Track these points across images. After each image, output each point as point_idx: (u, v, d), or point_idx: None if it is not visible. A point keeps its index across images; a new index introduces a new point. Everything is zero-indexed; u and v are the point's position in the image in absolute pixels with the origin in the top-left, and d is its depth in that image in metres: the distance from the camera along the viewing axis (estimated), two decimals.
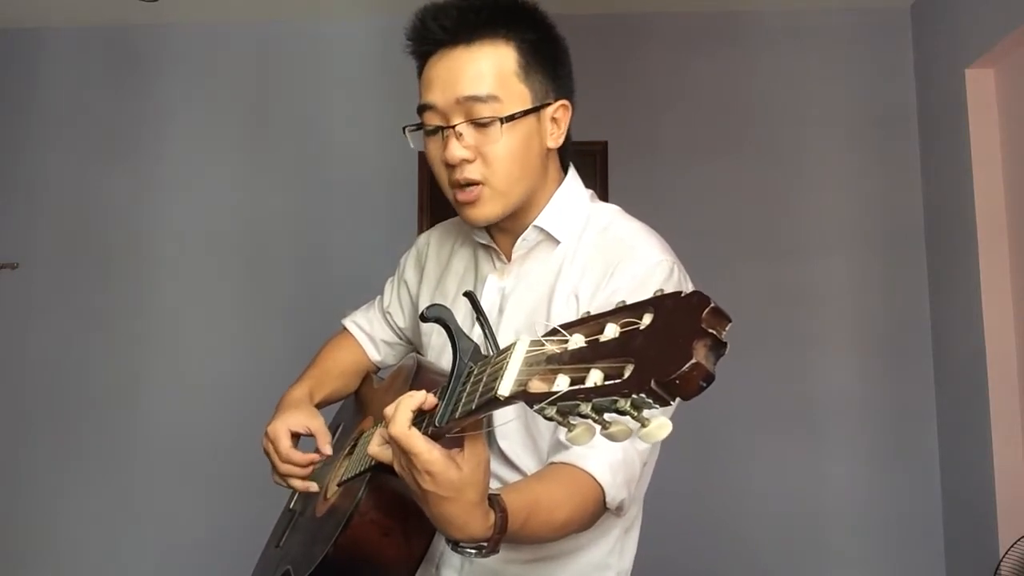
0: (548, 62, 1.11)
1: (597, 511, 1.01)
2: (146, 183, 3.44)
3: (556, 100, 1.12)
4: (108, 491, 3.29)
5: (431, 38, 1.08)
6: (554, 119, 1.12)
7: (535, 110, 1.08)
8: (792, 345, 3.26)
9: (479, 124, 1.05)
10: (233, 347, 3.34)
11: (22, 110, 3.49)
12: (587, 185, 1.22)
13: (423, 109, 1.09)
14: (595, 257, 1.10)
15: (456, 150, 1.06)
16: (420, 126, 1.11)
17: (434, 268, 1.31)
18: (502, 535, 0.84)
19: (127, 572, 3.26)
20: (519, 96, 1.07)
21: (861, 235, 3.29)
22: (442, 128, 1.07)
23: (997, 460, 2.75)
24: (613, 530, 1.13)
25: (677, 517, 3.05)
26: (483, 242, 1.20)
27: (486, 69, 1.05)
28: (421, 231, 3.28)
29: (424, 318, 0.85)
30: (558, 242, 1.14)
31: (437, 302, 1.23)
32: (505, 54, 1.07)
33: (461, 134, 1.06)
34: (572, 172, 1.20)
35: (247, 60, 3.49)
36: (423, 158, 3.32)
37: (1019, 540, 2.44)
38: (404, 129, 1.13)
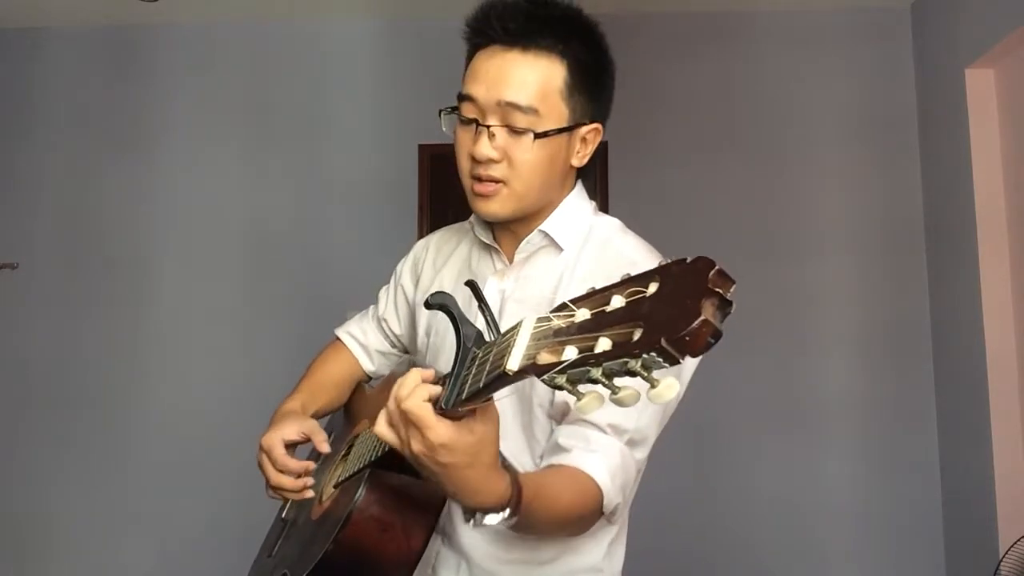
0: (593, 84, 1.12)
1: (595, 512, 1.01)
2: (146, 183, 3.44)
3: (591, 122, 1.13)
4: (108, 490, 3.29)
5: (490, 34, 1.09)
6: (584, 139, 1.14)
7: (568, 129, 1.10)
8: (792, 345, 3.26)
9: (513, 130, 1.07)
10: (233, 346, 3.34)
11: (22, 110, 3.49)
12: (587, 186, 1.23)
13: (463, 98, 1.10)
14: (596, 271, 1.11)
15: (485, 148, 1.08)
16: (454, 109, 1.12)
17: (430, 271, 1.31)
18: (520, 495, 0.84)
19: (126, 571, 3.26)
20: (558, 114, 1.08)
21: (861, 235, 3.29)
22: (477, 122, 1.09)
23: (997, 460, 2.75)
24: (606, 535, 1.14)
25: (678, 516, 3.05)
26: (486, 241, 1.21)
27: (534, 80, 1.07)
28: (421, 231, 3.29)
29: (428, 305, 0.84)
30: (561, 249, 1.15)
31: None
32: (556, 70, 1.08)
33: (494, 135, 1.07)
34: (579, 184, 1.21)
35: (247, 60, 3.49)
36: (423, 157, 3.34)
37: (1019, 540, 2.44)
38: (440, 112, 1.14)
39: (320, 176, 3.42)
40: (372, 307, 1.44)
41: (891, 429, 3.20)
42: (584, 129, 1.12)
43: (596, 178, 3.23)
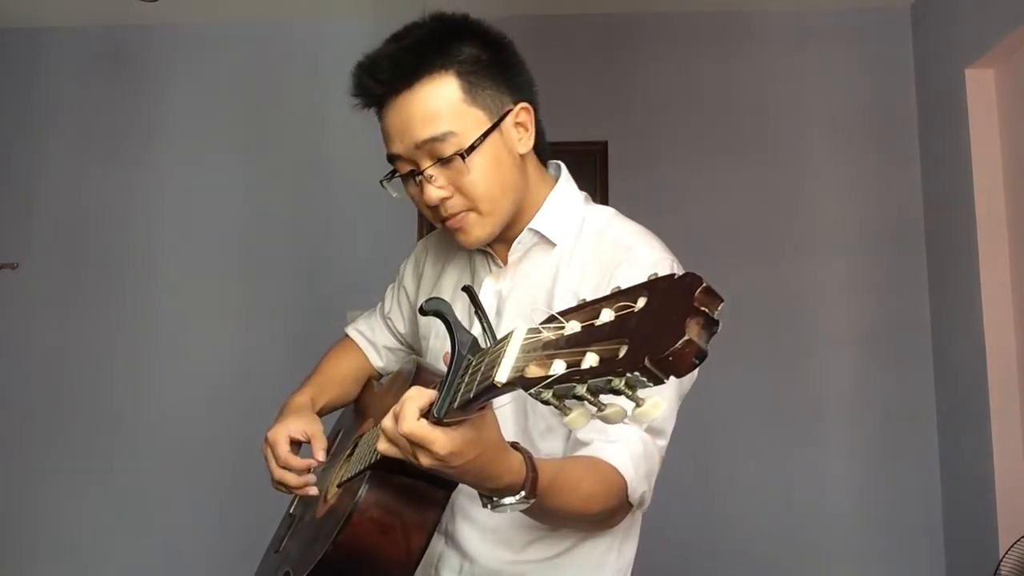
0: (495, 71, 1.09)
1: (621, 502, 1.00)
2: (146, 183, 3.44)
3: (515, 104, 1.11)
4: (108, 492, 3.29)
5: (373, 93, 1.09)
6: (518, 124, 1.12)
7: (494, 127, 1.08)
8: (792, 345, 3.26)
9: (444, 162, 1.06)
10: (234, 348, 3.34)
11: (21, 110, 3.48)
12: (587, 186, 1.24)
13: (392, 159, 1.10)
14: (593, 259, 1.11)
15: (432, 192, 1.07)
16: (393, 173, 1.12)
17: (431, 274, 1.32)
18: (535, 474, 0.83)
19: (128, 571, 3.26)
20: (474, 121, 1.06)
21: (861, 235, 3.29)
22: (414, 173, 1.08)
23: (997, 460, 2.75)
24: (615, 530, 1.13)
25: (677, 516, 3.04)
26: (479, 246, 1.21)
27: (433, 107, 1.05)
28: (421, 231, 3.29)
29: (423, 311, 0.84)
30: (554, 244, 1.15)
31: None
32: (447, 85, 1.06)
33: (432, 176, 1.07)
34: (565, 175, 1.20)
35: (247, 60, 3.48)
36: None
37: (1019, 540, 2.44)
38: (381, 182, 1.14)
39: (320, 176, 3.42)
40: (379, 304, 1.45)
41: (891, 429, 3.20)
42: (511, 115, 1.10)
43: (596, 178, 3.23)
